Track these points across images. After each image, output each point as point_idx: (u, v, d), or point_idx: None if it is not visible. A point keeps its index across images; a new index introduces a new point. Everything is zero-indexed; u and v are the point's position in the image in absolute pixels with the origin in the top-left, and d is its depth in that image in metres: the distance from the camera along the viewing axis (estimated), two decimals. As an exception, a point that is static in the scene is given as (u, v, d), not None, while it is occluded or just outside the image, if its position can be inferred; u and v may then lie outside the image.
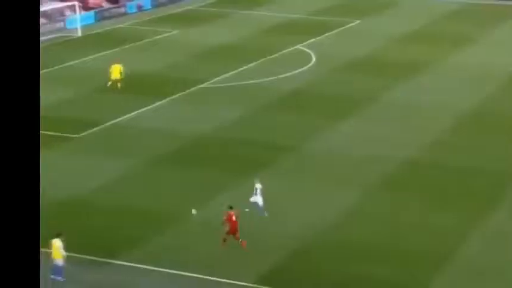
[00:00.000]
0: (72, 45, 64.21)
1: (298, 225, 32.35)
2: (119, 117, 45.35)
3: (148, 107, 47.43)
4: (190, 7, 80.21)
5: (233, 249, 30.39)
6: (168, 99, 49.09)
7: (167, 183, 36.77)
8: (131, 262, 29.34)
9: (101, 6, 75.50)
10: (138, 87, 52.08)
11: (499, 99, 49.25)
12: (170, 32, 68.51)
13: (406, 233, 31.80)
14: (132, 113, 46.20)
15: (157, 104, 48.20)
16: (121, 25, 71.46)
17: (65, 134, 42.57)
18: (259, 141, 41.92)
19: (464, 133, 43.36)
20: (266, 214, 33.08)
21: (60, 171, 38.13)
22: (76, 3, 70.71)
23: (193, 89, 51.32)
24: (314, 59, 59.03)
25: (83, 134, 42.78)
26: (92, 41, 65.61)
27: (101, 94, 49.73)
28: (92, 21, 72.07)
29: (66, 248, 28.14)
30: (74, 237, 30.22)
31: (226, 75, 54.46)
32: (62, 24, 69.50)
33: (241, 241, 30.25)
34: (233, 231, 30.26)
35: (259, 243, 30.89)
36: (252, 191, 33.20)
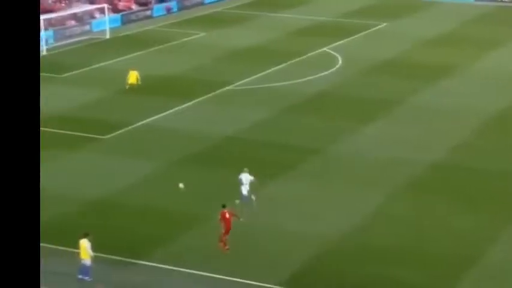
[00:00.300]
0: (100, 48, 64.83)
1: (323, 227, 32.48)
2: (145, 119, 45.75)
3: (175, 109, 47.79)
4: (217, 9, 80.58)
5: (256, 250, 30.62)
6: (194, 101, 49.43)
7: (192, 184, 37.01)
8: (155, 262, 29.62)
9: (130, 9, 76.11)
10: (164, 89, 52.49)
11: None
12: (197, 34, 68.91)
13: (431, 235, 31.81)
14: (159, 115, 46.58)
15: (183, 106, 48.55)
16: (148, 27, 72.00)
17: (92, 135, 43.03)
18: (284, 144, 42.10)
19: (490, 136, 43.24)
20: (253, 198, 33.34)
21: (87, 171, 38.58)
22: (105, 5, 71.41)
23: (219, 91, 51.62)
24: (340, 62, 59.12)
25: (110, 135, 43.22)
26: (119, 44, 66.18)
27: (127, 96, 50.21)
28: (118, 24, 72.66)
29: (94, 247, 28.52)
30: (100, 237, 30.62)
31: (253, 77, 54.71)
32: (89, 26, 70.14)
33: (225, 246, 30.24)
34: (227, 231, 30.34)
35: (282, 244, 31.08)
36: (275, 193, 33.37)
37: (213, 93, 51.08)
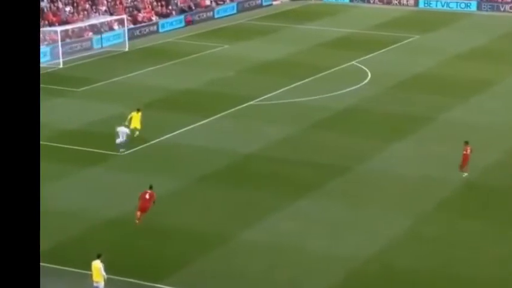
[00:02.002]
0: (118, 60, 65.18)
1: (350, 248, 32.38)
2: (164, 135, 45.88)
3: (196, 124, 47.88)
4: (241, 21, 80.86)
5: (280, 271, 30.52)
6: (215, 116, 49.50)
7: (214, 202, 37.10)
8: (172, 285, 29.61)
9: (150, 20, 76.55)
10: (184, 103, 52.64)
11: None
12: (220, 46, 69.14)
13: (462, 259, 31.59)
14: (178, 131, 46.70)
15: (205, 121, 48.64)
16: (169, 39, 72.32)
17: (108, 152, 43.18)
18: (310, 161, 42.01)
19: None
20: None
21: (104, 189, 38.70)
22: (125, 16, 71.85)
23: (243, 106, 51.69)
24: (369, 76, 59.01)
25: (127, 152, 43.35)
26: (139, 56, 66.51)
27: (146, 111, 50.26)
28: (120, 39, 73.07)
29: (108, 269, 28.53)
30: (117, 257, 30.67)
31: (277, 92, 54.74)
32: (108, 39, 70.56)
33: (138, 221, 33.80)
34: (140, 208, 33.85)
35: (307, 265, 30.98)
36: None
37: (236, 108, 51.15)
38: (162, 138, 45.55)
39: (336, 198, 37.49)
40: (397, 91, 55.43)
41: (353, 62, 63.12)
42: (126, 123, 44.08)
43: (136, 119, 44.64)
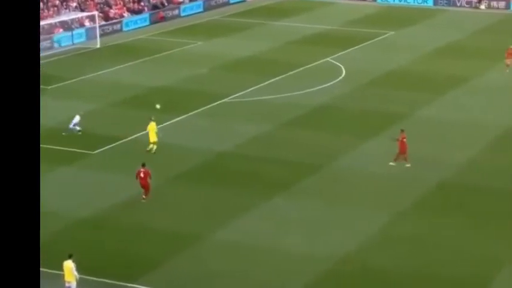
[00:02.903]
0: (90, 57, 64.94)
1: (325, 247, 32.46)
2: (138, 132, 45.74)
3: (169, 122, 47.80)
4: (215, 17, 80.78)
5: (255, 270, 30.58)
6: (190, 114, 49.46)
7: (188, 201, 37.09)
8: (146, 285, 29.56)
9: (122, 17, 76.29)
10: (157, 101, 52.36)
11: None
12: (193, 43, 69.06)
13: (437, 257, 31.75)
14: (152, 129, 46.55)
15: (178, 118, 48.58)
16: (141, 36, 72.14)
17: (80, 150, 43.03)
18: (284, 159, 42.09)
19: (500, 153, 43.18)
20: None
21: (76, 188, 38.57)
22: (96, 13, 71.57)
23: (216, 103, 51.67)
24: (344, 73, 59.20)
25: (99, 150, 43.22)
26: (110, 53, 66.30)
27: (118, 109, 50.16)
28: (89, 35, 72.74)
29: (80, 269, 28.45)
30: (90, 257, 30.60)
31: (251, 89, 54.78)
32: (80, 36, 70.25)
33: (143, 197, 36.31)
34: (142, 186, 36.23)
35: (283, 264, 31.04)
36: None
37: (210, 106, 51.12)
38: (134, 136, 45.41)
39: (311, 197, 37.60)
40: (372, 88, 55.66)
41: (328, 59, 63.29)
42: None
43: (152, 131, 42.63)
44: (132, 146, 44.33)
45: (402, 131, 41.10)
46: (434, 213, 35.86)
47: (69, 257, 28.51)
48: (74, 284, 28.30)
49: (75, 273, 28.26)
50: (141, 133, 45.56)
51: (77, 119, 45.67)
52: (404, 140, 40.55)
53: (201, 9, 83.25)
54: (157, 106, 42.38)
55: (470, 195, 37.75)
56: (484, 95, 53.90)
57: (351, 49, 66.73)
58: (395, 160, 40.61)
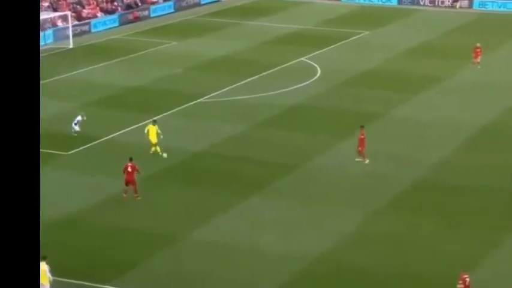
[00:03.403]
0: (63, 57, 64.64)
1: (300, 247, 32.55)
2: (112, 133, 45.62)
3: (144, 122, 47.61)
4: (189, 17, 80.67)
5: (231, 270, 30.58)
6: (165, 114, 49.37)
7: (163, 201, 37.04)
8: (124, 287, 29.48)
9: (96, 17, 76.01)
10: (133, 101, 52.41)
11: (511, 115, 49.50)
12: (168, 43, 68.94)
13: (413, 256, 31.93)
14: (126, 129, 46.47)
15: (153, 119, 48.37)
16: (115, 36, 71.91)
17: (53, 151, 42.81)
18: (259, 159, 42.14)
19: (474, 152, 43.47)
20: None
21: (50, 189, 38.25)
22: (69, 13, 71.22)
23: (191, 103, 51.61)
24: (319, 72, 59.35)
25: (73, 151, 43.04)
26: (84, 53, 66.02)
27: (92, 109, 49.90)
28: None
29: (54, 271, 28.32)
30: (64, 260, 30.46)
31: (226, 89, 54.78)
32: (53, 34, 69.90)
33: (135, 196, 36.32)
34: (127, 182, 36.27)
35: (258, 264, 31.09)
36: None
37: (185, 106, 51.05)
38: (109, 136, 45.28)
39: (286, 197, 37.66)
40: (347, 87, 55.85)
41: (302, 59, 63.42)
42: (146, 136, 42.38)
43: (153, 133, 42.18)
44: (107, 146, 44.18)
45: (362, 127, 41.52)
46: (409, 212, 36.05)
47: (43, 259, 28.32)
48: (47, 286, 28.16)
49: (49, 275, 28.13)
50: (116, 133, 45.47)
51: (78, 118, 45.38)
52: (363, 136, 40.96)
53: (172, 10, 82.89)
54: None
55: (445, 195, 37.97)
56: (457, 94, 54.24)
57: (325, 49, 66.89)
58: (359, 156, 41.08)
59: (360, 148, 41.08)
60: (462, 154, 43.07)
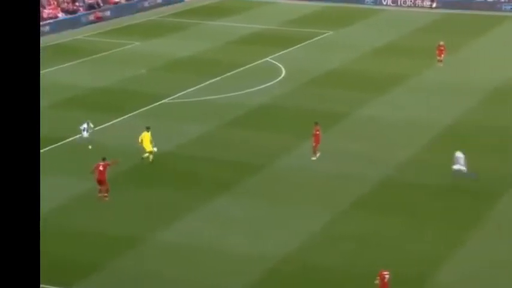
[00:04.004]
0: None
1: (267, 247, 32.52)
2: (76, 134, 45.29)
3: (109, 123, 47.46)
4: (152, 17, 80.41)
5: (196, 271, 30.52)
6: (128, 115, 49.15)
7: (127, 203, 36.83)
8: (87, 289, 29.34)
9: (57, 17, 75.45)
10: (97, 102, 52.13)
11: (476, 115, 49.87)
12: (131, 43, 68.65)
13: (379, 255, 32.05)
14: (90, 130, 46.11)
15: (116, 120, 48.24)
16: (77, 37, 71.45)
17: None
18: (225, 160, 42.11)
19: (441, 150, 43.74)
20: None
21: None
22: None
23: (155, 104, 51.44)
24: (284, 72, 59.45)
25: (40, 151, 42.58)
26: (47, 54, 65.46)
27: (55, 110, 49.56)
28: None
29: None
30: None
31: (191, 89, 54.67)
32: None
33: (104, 195, 36.33)
34: (99, 181, 36.15)
35: (224, 264, 31.03)
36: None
37: (149, 107, 50.87)
38: (72, 138, 44.97)
39: (253, 196, 37.65)
40: (312, 87, 56.00)
41: (267, 59, 63.49)
42: (140, 144, 41.50)
43: (147, 140, 41.37)
44: (72, 147, 43.87)
45: (316, 123, 41.91)
46: (375, 212, 36.19)
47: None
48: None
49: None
50: (79, 134, 45.13)
51: (84, 125, 44.18)
52: (318, 132, 41.46)
53: (134, 10, 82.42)
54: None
55: (411, 194, 38.17)
56: (422, 94, 54.61)
57: (290, 49, 67.04)
58: (314, 153, 41.64)
59: (315, 144, 41.68)
60: (427, 153, 43.36)
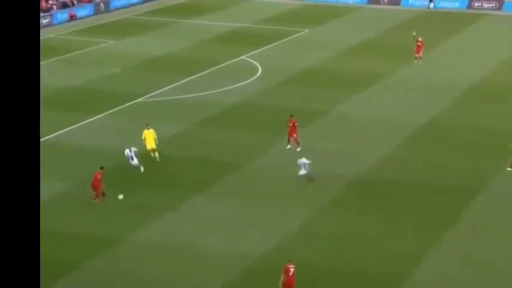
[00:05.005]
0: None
1: (244, 246, 32.60)
2: (49, 134, 45.13)
3: (81, 124, 47.30)
4: (127, 16, 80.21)
5: (174, 271, 30.50)
6: (102, 114, 49.01)
7: (105, 203, 36.70)
8: (64, 289, 29.26)
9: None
10: (69, 102, 51.94)
11: (452, 113, 50.17)
12: (105, 42, 68.43)
13: (356, 254, 32.19)
14: (63, 130, 46.06)
15: (90, 120, 48.08)
16: (51, 35, 71.12)
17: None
18: (201, 159, 42.09)
19: (416, 148, 44.04)
20: None
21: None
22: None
23: (130, 103, 51.32)
24: (260, 71, 59.52)
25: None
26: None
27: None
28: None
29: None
30: None
31: (166, 88, 54.60)
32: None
33: (95, 199, 36.24)
34: (93, 186, 36.13)
35: (202, 264, 31.06)
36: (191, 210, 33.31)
37: (123, 106, 50.75)
38: (45, 138, 44.75)
39: (229, 196, 37.67)
40: (288, 86, 56.10)
41: (243, 57, 63.53)
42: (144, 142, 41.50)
43: (150, 137, 41.40)
44: (47, 147, 43.64)
45: (291, 116, 43.34)
46: (352, 210, 36.35)
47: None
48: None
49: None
50: (55, 133, 44.96)
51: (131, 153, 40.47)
52: (293, 124, 42.90)
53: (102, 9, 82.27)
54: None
55: (388, 193, 38.35)
56: (398, 92, 54.87)
57: (266, 47, 67.12)
58: (289, 143, 43.13)
59: (293, 136, 42.79)
60: (403, 151, 43.58)
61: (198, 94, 53.46)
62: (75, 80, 56.70)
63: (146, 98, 52.67)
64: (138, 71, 59.58)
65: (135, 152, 40.12)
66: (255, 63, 61.75)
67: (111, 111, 49.73)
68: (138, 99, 52.19)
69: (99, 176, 36.52)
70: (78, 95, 53.54)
